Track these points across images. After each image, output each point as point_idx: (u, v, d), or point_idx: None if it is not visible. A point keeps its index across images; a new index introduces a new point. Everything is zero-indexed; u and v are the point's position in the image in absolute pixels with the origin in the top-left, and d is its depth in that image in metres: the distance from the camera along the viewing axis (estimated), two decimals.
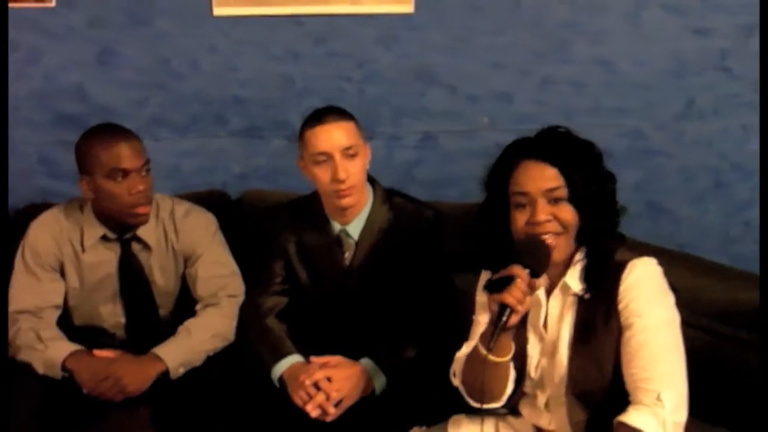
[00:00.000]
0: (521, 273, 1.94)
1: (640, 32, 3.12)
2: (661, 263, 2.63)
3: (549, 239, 2.00)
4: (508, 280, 1.94)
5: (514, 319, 1.95)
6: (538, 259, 1.98)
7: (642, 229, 3.17)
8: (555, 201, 2.00)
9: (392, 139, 3.18)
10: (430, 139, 3.18)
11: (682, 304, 2.58)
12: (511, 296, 1.92)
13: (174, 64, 3.09)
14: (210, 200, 3.00)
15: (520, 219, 2.02)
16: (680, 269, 2.66)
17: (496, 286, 1.96)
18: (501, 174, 2.07)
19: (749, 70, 3.12)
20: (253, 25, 3.06)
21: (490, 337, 1.97)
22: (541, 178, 2.00)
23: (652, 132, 3.21)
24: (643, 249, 2.75)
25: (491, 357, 2.00)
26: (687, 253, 2.98)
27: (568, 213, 2.00)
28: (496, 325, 1.94)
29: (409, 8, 3.06)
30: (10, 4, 2.92)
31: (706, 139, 3.22)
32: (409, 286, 2.54)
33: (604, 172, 2.09)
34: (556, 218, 2.00)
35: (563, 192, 2.00)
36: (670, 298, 2.05)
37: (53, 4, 3.00)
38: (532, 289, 1.97)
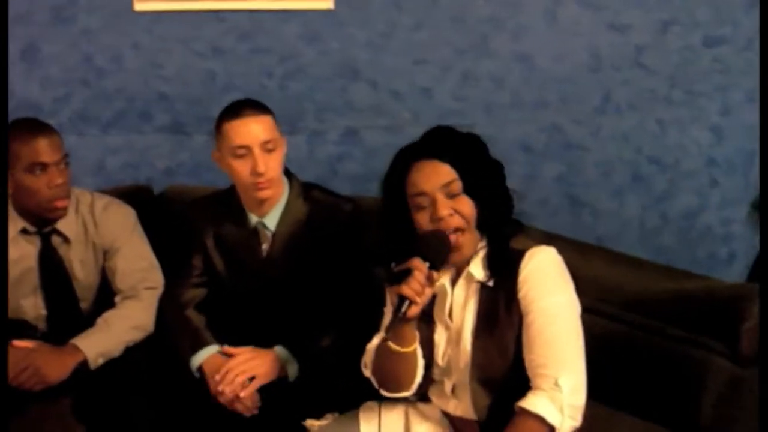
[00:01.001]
0: (420, 266, 2.00)
1: (558, 28, 3.22)
2: (577, 255, 2.73)
3: (454, 238, 2.07)
4: (408, 273, 2.01)
5: (414, 310, 2.01)
6: (437, 252, 2.05)
7: (562, 221, 3.30)
8: (453, 195, 2.07)
9: (315, 135, 3.26)
10: (353, 134, 3.26)
11: (594, 294, 2.69)
12: (409, 288, 1.99)
13: (97, 60, 3.15)
14: (134, 195, 3.06)
15: (422, 219, 2.09)
16: (595, 261, 2.78)
17: (395, 278, 2.03)
18: (396, 180, 2.15)
19: (665, 65, 3.24)
20: (176, 21, 3.13)
21: (390, 328, 2.06)
22: (436, 175, 2.08)
23: (570, 126, 3.31)
24: (558, 241, 2.86)
25: (395, 347, 2.09)
26: (601, 245, 3.08)
27: (466, 205, 2.08)
28: (395, 316, 2.02)
29: (329, 4, 3.14)
30: None
31: (623, 133, 3.32)
32: (327, 277, 2.61)
33: (492, 162, 2.17)
34: (457, 212, 2.07)
35: (458, 185, 2.07)
36: (568, 286, 2.12)
37: None
38: (430, 281, 2.03)
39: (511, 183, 3.28)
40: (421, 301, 2.02)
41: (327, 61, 3.20)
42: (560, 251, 2.62)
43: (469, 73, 3.24)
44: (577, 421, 2.00)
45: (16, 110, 2.94)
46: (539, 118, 3.28)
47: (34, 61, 3.12)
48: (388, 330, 2.09)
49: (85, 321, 2.70)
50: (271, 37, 3.17)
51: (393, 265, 2.11)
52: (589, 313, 2.59)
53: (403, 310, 2.00)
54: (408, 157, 2.14)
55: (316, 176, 3.12)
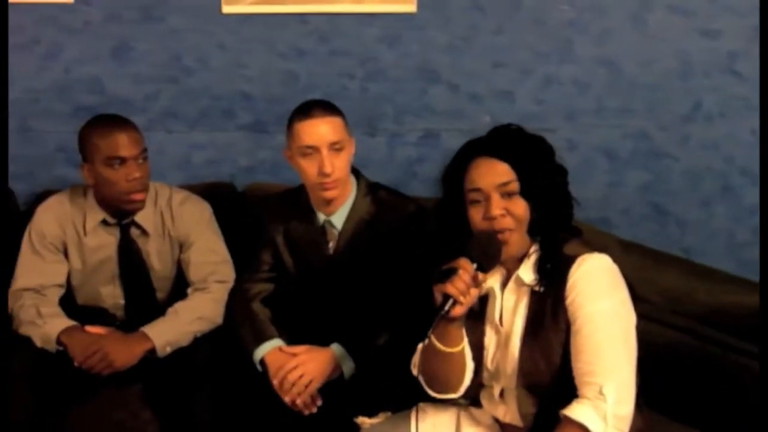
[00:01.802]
0: (466, 266, 2.03)
1: (645, 33, 3.19)
2: (651, 264, 2.69)
3: (501, 235, 2.08)
4: (454, 272, 2.03)
5: (458, 310, 2.04)
6: (486, 254, 2.07)
7: (647, 231, 3.26)
8: (508, 195, 2.09)
9: (394, 137, 3.32)
10: (431, 136, 3.29)
11: (664, 305, 2.64)
12: (453, 287, 2.01)
13: (185, 59, 3.28)
14: (216, 191, 3.20)
15: (476, 215, 2.11)
16: (669, 271, 2.74)
17: (441, 277, 2.05)
18: (455, 174, 2.18)
19: (758, 72, 3.12)
20: (260, 23, 3.23)
21: (434, 326, 2.08)
22: (493, 174, 2.09)
23: (657, 133, 3.26)
24: (634, 249, 2.83)
25: (441, 346, 2.11)
26: (686, 257, 3.01)
27: (520, 207, 2.09)
28: (437, 314, 2.04)
29: (412, 7, 3.19)
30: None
31: (713, 142, 3.26)
32: (387, 276, 2.65)
33: (555, 166, 2.17)
34: (509, 212, 2.08)
35: (515, 186, 2.09)
36: (619, 293, 2.09)
37: (71, 0, 3.21)
38: (476, 282, 2.06)
39: (593, 190, 3.28)
40: (466, 301, 2.04)
41: (407, 63, 3.25)
42: (635, 259, 2.60)
43: (551, 77, 3.24)
44: (622, 431, 1.98)
45: (107, 106, 3.10)
46: (624, 125, 3.25)
47: (126, 58, 3.27)
48: (432, 328, 2.10)
49: (161, 311, 2.83)
50: (352, 39, 3.24)
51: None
52: (657, 323, 2.56)
53: (446, 308, 2.03)
54: (470, 152, 2.17)
55: (395, 178, 3.18)
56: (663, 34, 3.17)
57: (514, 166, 2.09)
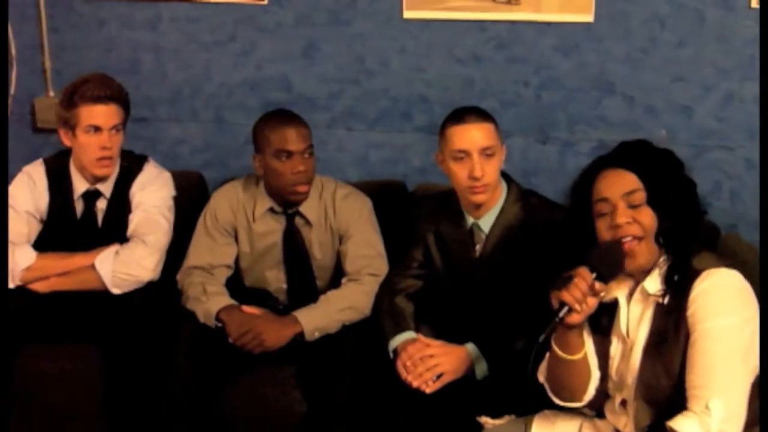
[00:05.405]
0: (584, 274, 2.12)
1: None
2: None
3: (629, 244, 2.15)
4: (571, 279, 2.12)
5: (574, 318, 2.13)
6: (606, 264, 2.14)
7: None
8: (635, 206, 2.16)
9: (566, 146, 3.40)
10: (605, 147, 3.21)
11: None
12: (569, 294, 2.11)
13: (368, 62, 3.51)
14: (388, 189, 3.42)
15: (602, 226, 2.20)
16: None
17: (559, 284, 2.14)
18: (583, 187, 2.28)
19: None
20: (441, 29, 3.41)
21: (549, 333, 2.16)
22: (620, 184, 2.18)
23: None
24: None
25: (561, 353, 2.21)
26: None
27: (647, 216, 2.16)
28: (553, 320, 2.13)
29: (589, 17, 3.27)
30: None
31: None
32: (529, 282, 2.69)
33: (683, 178, 2.23)
34: (636, 221, 2.15)
35: (642, 196, 2.16)
36: (745, 311, 2.10)
37: (266, 1, 3.52)
38: (593, 291, 2.13)
39: None
40: (582, 309, 2.12)
41: (583, 73, 3.34)
42: None
43: (733, 94, 3.23)
44: None
45: (293, 103, 3.37)
46: None
47: (313, 58, 3.55)
48: (547, 333, 2.17)
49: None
50: (529, 47, 3.36)
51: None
52: None
53: (561, 315, 2.11)
54: (597, 166, 2.28)
55: (565, 186, 3.21)
56: None
57: (641, 176, 2.17)
